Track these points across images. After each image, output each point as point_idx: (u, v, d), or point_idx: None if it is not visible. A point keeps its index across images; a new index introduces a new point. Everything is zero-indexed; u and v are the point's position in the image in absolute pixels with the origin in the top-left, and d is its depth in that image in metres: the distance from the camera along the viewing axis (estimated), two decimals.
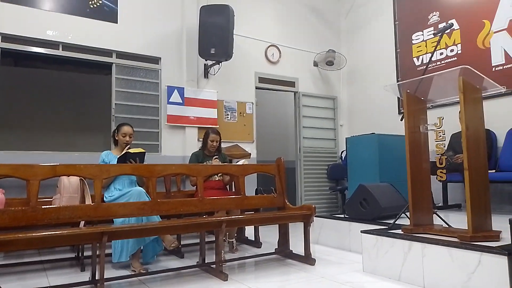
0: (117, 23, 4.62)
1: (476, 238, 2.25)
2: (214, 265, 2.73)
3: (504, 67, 4.35)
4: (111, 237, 2.39)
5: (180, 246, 3.07)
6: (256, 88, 5.65)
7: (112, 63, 4.62)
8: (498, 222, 2.39)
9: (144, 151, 3.16)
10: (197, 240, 3.32)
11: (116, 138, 3.30)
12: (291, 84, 6.01)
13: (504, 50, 4.35)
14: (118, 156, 3.10)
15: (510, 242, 2.04)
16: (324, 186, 6.01)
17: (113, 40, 4.58)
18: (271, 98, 6.95)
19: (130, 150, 3.09)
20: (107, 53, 4.59)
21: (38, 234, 2.16)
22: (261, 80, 5.71)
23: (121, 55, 4.67)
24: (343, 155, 5.88)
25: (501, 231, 2.32)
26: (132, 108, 4.69)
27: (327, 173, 5.95)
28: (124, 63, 4.69)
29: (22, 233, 2.10)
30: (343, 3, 6.63)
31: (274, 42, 5.84)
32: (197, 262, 2.97)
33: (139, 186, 3.13)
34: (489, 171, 2.58)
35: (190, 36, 4.99)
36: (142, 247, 2.93)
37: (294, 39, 6.07)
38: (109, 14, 4.58)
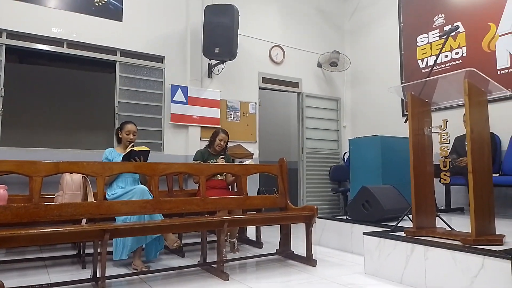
0: (122, 21, 4.63)
1: (480, 241, 2.23)
2: (215, 265, 2.72)
3: (509, 70, 4.33)
4: (113, 235, 2.40)
5: (181, 245, 3.06)
6: (259, 88, 5.65)
7: (116, 61, 4.62)
8: (502, 226, 2.38)
9: (148, 149, 3.16)
10: (199, 240, 3.32)
11: (120, 136, 3.31)
12: (295, 84, 6.01)
13: (510, 53, 4.33)
14: (122, 154, 3.10)
15: None
16: (326, 187, 6.00)
17: (118, 39, 4.59)
18: (274, 99, 6.95)
19: (134, 148, 3.09)
20: (112, 51, 4.60)
21: (40, 230, 2.17)
22: (265, 80, 5.70)
23: (125, 53, 4.68)
24: (346, 156, 5.87)
25: (504, 235, 2.31)
26: (136, 107, 4.69)
27: (329, 175, 5.94)
28: (128, 61, 4.69)
29: (24, 229, 2.11)
30: (347, 4, 6.62)
31: (278, 43, 5.84)
32: (198, 261, 2.97)
33: (142, 184, 3.12)
34: (493, 175, 2.56)
35: (194, 35, 4.99)
36: (144, 246, 2.93)
37: (299, 39, 6.06)
38: (114, 12, 4.59)
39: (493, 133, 4.04)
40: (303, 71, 6.08)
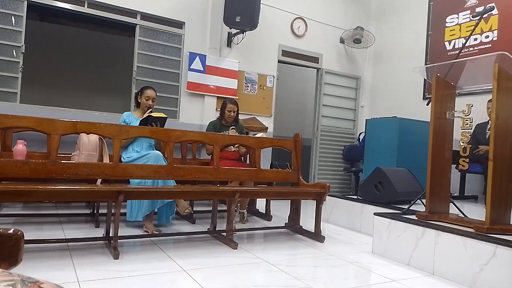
0: None
1: (493, 230, 2.20)
2: (225, 233, 2.76)
3: None
4: (127, 197, 2.43)
5: (192, 212, 3.11)
6: (278, 62, 5.55)
7: (136, 24, 4.57)
8: None
9: (166, 116, 3.16)
10: (209, 208, 3.36)
11: (139, 101, 3.30)
12: (315, 60, 5.88)
13: None
14: (139, 119, 3.11)
15: None
16: (338, 166, 5.98)
17: (139, 1, 4.52)
18: (293, 73, 6.83)
19: (152, 114, 3.10)
20: (132, 13, 4.54)
21: (56, 187, 2.22)
22: (285, 53, 5.59)
23: (145, 16, 4.62)
24: (361, 137, 5.80)
25: None
26: (153, 72, 4.67)
27: (342, 154, 5.90)
28: (148, 25, 4.64)
29: (42, 185, 2.16)
30: None
31: (301, 15, 5.68)
32: (208, 228, 3.02)
33: (157, 150, 3.15)
34: None
35: (216, 2, 4.88)
36: (156, 210, 2.98)
37: (322, 13, 5.88)
38: None
39: None
40: (324, 46, 5.93)
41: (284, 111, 6.53)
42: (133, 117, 3.18)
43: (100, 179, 2.70)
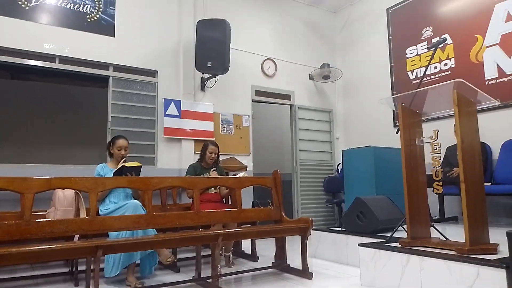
0: (114, 36, 4.65)
1: (474, 251, 2.24)
2: (210, 280, 2.69)
3: (497, 80, 4.41)
4: (106, 251, 2.36)
5: (176, 260, 3.02)
6: (252, 101, 5.68)
7: (109, 76, 4.63)
8: (496, 235, 2.39)
9: (140, 165, 3.14)
10: (193, 254, 3.28)
11: (111, 151, 3.29)
12: (287, 97, 6.05)
13: (497, 64, 4.42)
14: (114, 170, 3.08)
15: (508, 255, 2.03)
16: (321, 198, 6.00)
17: (110, 54, 4.60)
18: (267, 111, 6.98)
19: (126, 164, 3.07)
20: (104, 66, 4.61)
21: (31, 248, 2.13)
22: (258, 93, 5.74)
23: (118, 68, 4.69)
24: (340, 167, 5.88)
25: (498, 244, 2.32)
26: (128, 121, 4.68)
27: (323, 186, 5.94)
28: (120, 76, 4.70)
29: (15, 247, 2.07)
30: (338, 18, 6.73)
31: (270, 56, 5.90)
32: (193, 276, 2.93)
33: (135, 199, 3.10)
34: (485, 184, 2.59)
35: (187, 50, 5.03)
36: (139, 262, 2.89)
37: (290, 53, 6.13)
38: (106, 28, 4.62)
39: (483, 142, 4.09)
40: (295, 83, 6.13)
41: (262, 148, 6.59)
42: (107, 169, 3.15)
43: (78, 235, 2.62)
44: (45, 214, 2.99)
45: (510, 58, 4.31)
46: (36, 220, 2.37)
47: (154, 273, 3.13)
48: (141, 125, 4.76)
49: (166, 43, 5.01)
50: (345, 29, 6.59)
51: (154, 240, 2.61)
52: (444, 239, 2.64)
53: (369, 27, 6.16)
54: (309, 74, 6.26)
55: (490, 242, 2.37)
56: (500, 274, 1.98)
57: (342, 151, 5.18)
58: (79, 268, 2.96)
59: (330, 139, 6.40)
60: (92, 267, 2.33)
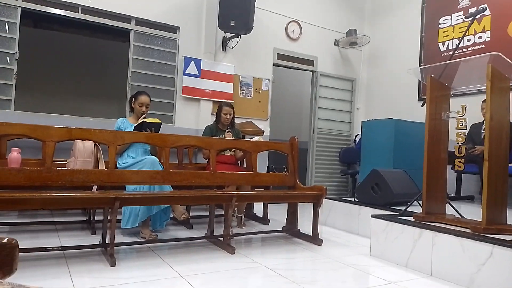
0: None
1: (490, 230, 2.21)
2: (222, 238, 2.75)
3: None
4: (123, 203, 2.42)
5: (189, 217, 3.09)
6: (274, 65, 5.56)
7: (131, 29, 4.57)
8: None
9: (160, 122, 3.15)
10: (206, 213, 3.35)
11: (133, 106, 3.29)
12: (310, 62, 5.89)
13: None
14: (134, 125, 3.10)
15: None
16: (335, 169, 5.98)
17: (133, 6, 4.52)
18: (288, 76, 6.85)
19: (146, 120, 3.09)
20: (126, 19, 4.54)
21: (52, 194, 2.20)
22: (280, 56, 5.60)
23: (140, 21, 4.61)
24: (357, 139, 5.81)
25: None
26: (148, 77, 4.67)
27: (339, 156, 5.90)
28: (142, 30, 4.63)
29: (37, 192, 2.14)
30: None
31: (295, 18, 5.69)
32: (206, 234, 3.00)
33: (153, 155, 3.14)
34: (510, 165, 2.50)
35: (210, 7, 4.89)
36: (152, 216, 2.96)
37: (317, 16, 5.90)
38: None
39: None
40: (319, 49, 5.94)
41: (280, 114, 6.53)
42: (127, 123, 3.17)
43: (96, 186, 2.69)
44: (65, 163, 3.07)
45: None
46: (57, 169, 2.43)
47: (168, 228, 3.22)
48: (160, 83, 4.74)
49: None
50: None
51: (170, 196, 2.66)
52: (459, 216, 2.60)
53: None
54: (335, 40, 6.05)
55: (508, 223, 2.33)
56: None
57: (362, 122, 5.08)
58: (96, 218, 3.07)
59: (351, 109, 6.27)
60: (109, 217, 2.40)
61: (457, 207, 2.71)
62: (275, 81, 5.74)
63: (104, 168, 2.81)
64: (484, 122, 2.68)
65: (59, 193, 2.26)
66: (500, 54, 2.29)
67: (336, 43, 6.06)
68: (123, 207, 2.80)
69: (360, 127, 5.18)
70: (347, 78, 6.24)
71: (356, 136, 6.02)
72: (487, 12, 4.61)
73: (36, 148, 3.43)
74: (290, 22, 5.65)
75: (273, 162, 5.13)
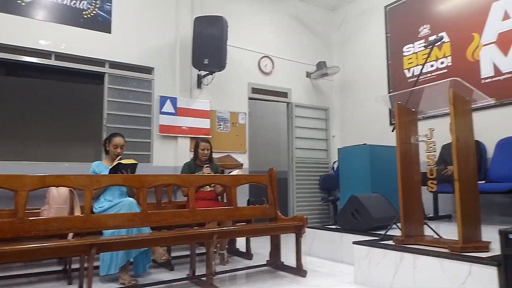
0: (110, 33, 4.63)
1: (467, 248, 2.25)
2: (205, 278, 2.69)
3: (493, 79, 4.42)
4: (100, 249, 2.36)
5: (170, 258, 3.02)
6: (249, 99, 5.67)
7: (105, 72, 4.61)
8: (488, 233, 2.40)
9: (136, 162, 3.14)
10: (188, 252, 3.28)
11: (107, 149, 3.28)
12: (284, 94, 6.05)
13: (493, 63, 4.42)
14: (109, 167, 3.07)
15: (500, 253, 2.04)
16: (316, 197, 6.01)
17: (107, 50, 4.58)
18: (264, 109, 6.97)
19: (122, 161, 3.07)
20: (100, 63, 4.59)
21: (25, 246, 2.12)
22: (254, 90, 5.73)
23: (114, 65, 4.67)
24: (335, 165, 5.89)
25: (490, 242, 2.33)
26: (124, 118, 4.67)
27: (319, 184, 5.95)
28: (117, 73, 4.68)
29: (9, 245, 2.06)
30: (335, 15, 6.72)
31: (267, 53, 5.88)
32: (187, 274, 2.93)
33: (130, 197, 3.09)
34: (479, 182, 2.59)
35: (183, 47, 5.01)
36: (132, 260, 2.88)
37: (287, 50, 6.12)
38: (103, 24, 4.59)
39: (478, 141, 4.10)
40: (292, 81, 6.12)
41: (258, 146, 6.59)
42: (102, 166, 3.14)
43: (72, 233, 2.61)
44: (39, 212, 2.98)
45: (506, 56, 4.31)
46: (30, 218, 2.36)
47: (149, 271, 3.13)
48: (136, 123, 4.75)
49: (163, 40, 4.99)
50: (343, 26, 6.58)
51: (149, 238, 2.61)
52: (438, 237, 2.65)
53: (366, 24, 6.15)
54: (306, 72, 6.26)
55: (483, 240, 2.38)
56: (492, 272, 1.99)
57: (338, 149, 5.18)
58: (73, 266, 2.96)
59: (326, 137, 6.40)
60: (86, 265, 2.32)
61: (435, 227, 2.76)
62: (252, 114, 5.83)
63: (79, 214, 2.74)
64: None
65: (33, 244, 2.18)
66: (458, 79, 2.43)
67: (308, 75, 6.27)
68: (101, 253, 2.72)
69: (337, 154, 5.27)
70: (320, 107, 6.41)
71: (334, 162, 6.12)
72: (446, 39, 4.90)
73: (8, 197, 3.32)
74: (262, 57, 5.83)
75: (254, 194, 5.12)
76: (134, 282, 2.76)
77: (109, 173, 3.00)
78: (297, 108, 6.11)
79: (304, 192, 5.96)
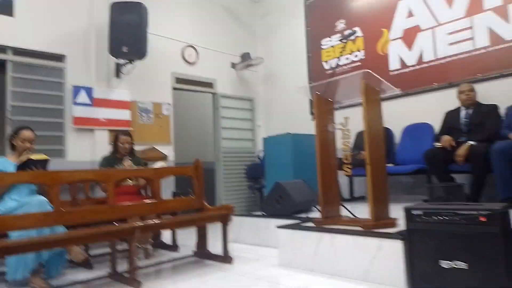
0: (12, 16, 4.15)
1: (378, 225, 2.47)
2: (128, 274, 2.59)
3: (399, 71, 4.84)
4: (5, 253, 2.14)
5: (88, 257, 2.84)
6: (173, 89, 5.52)
7: (7, 60, 4.14)
8: (396, 210, 2.64)
9: (48, 158, 2.88)
10: (109, 249, 3.12)
11: (14, 143, 2.96)
12: (209, 85, 5.99)
13: (400, 56, 4.84)
14: (17, 164, 2.78)
15: (405, 228, 2.27)
16: (243, 185, 6.09)
17: (9, 35, 4.10)
18: (190, 100, 6.85)
19: (32, 157, 2.79)
20: (1, 49, 4.10)
21: None
22: (178, 80, 5.59)
23: (18, 51, 4.20)
24: (261, 154, 6.02)
25: (397, 218, 2.57)
26: (32, 110, 4.24)
27: (246, 173, 6.03)
28: (22, 60, 4.23)
29: None
30: (258, 6, 6.81)
31: (191, 43, 5.76)
32: (109, 272, 2.79)
33: (41, 195, 2.83)
34: (387, 165, 2.84)
35: (100, 33, 4.68)
36: (44, 263, 2.66)
37: (212, 40, 6.06)
38: (3, 6, 4.09)
39: (387, 127, 4.47)
40: (217, 71, 6.09)
41: (184, 137, 6.47)
42: (8, 163, 2.83)
43: None
44: None
45: (410, 51, 4.75)
46: None
47: (64, 272, 2.91)
48: (47, 115, 4.34)
49: (76, 26, 4.61)
50: (266, 18, 6.69)
51: (61, 238, 2.42)
52: (353, 216, 2.85)
53: (288, 17, 6.32)
54: (231, 63, 6.27)
55: (392, 217, 2.62)
56: (398, 245, 2.21)
57: (263, 138, 5.30)
58: None
59: (252, 127, 6.50)
60: None
61: (351, 208, 2.96)
62: (177, 104, 5.69)
63: None
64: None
65: None
66: (369, 71, 2.62)
67: (233, 65, 6.28)
68: (7, 257, 2.47)
69: (262, 144, 5.39)
70: (246, 98, 6.48)
71: (259, 152, 6.25)
72: (360, 34, 5.24)
73: None
74: (186, 46, 5.70)
75: (180, 186, 5.04)
76: (46, 286, 2.54)
77: (17, 170, 2.71)
78: (223, 99, 6.11)
79: (232, 181, 6.01)
